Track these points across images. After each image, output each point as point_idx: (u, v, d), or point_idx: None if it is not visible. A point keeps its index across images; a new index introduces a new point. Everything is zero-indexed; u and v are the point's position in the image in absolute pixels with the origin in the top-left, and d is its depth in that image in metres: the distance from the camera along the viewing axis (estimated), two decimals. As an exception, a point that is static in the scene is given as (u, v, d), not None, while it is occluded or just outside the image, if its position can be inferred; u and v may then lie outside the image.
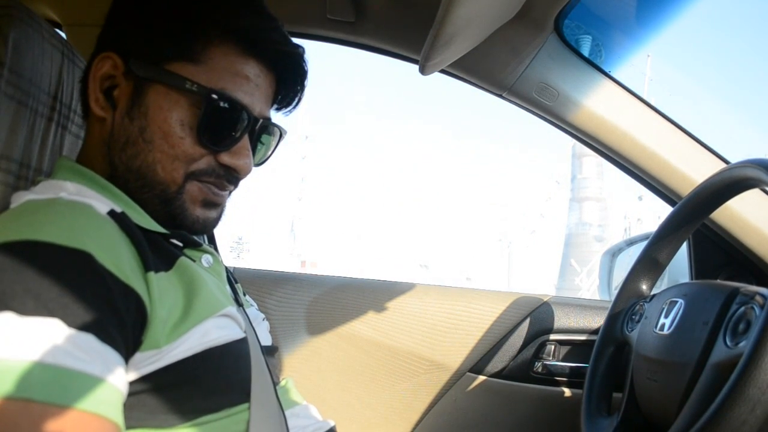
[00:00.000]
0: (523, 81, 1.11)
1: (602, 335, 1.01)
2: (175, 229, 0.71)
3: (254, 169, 0.76)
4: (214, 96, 0.67)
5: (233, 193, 0.77)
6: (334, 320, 1.33)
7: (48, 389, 0.48)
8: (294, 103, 0.80)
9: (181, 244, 0.71)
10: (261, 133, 0.75)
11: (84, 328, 0.51)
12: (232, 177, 0.73)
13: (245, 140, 0.72)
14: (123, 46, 0.69)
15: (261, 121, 0.73)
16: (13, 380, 0.47)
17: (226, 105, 0.68)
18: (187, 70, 0.67)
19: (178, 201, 0.69)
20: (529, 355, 1.28)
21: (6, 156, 0.72)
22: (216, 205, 0.73)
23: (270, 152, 0.80)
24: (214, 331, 0.64)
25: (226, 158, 0.70)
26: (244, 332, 0.71)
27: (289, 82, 0.77)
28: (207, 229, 0.73)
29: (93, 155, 0.72)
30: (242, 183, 0.76)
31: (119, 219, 0.62)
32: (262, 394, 0.69)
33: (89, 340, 0.51)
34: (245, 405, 0.66)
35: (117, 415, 0.52)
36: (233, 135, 0.70)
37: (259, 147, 0.77)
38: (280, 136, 0.80)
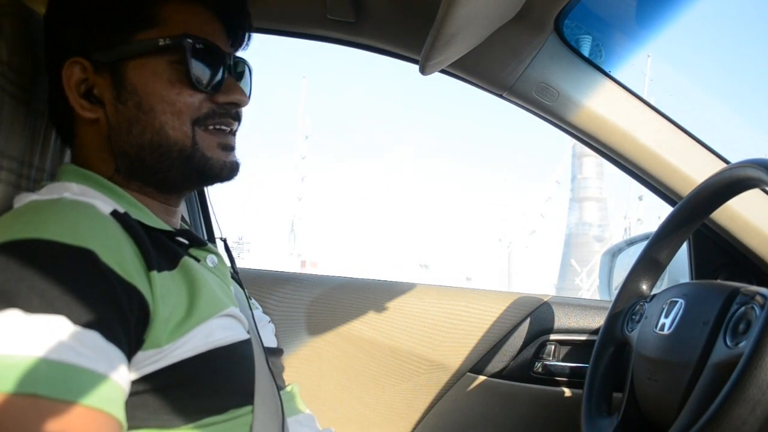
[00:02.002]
0: (524, 81, 1.11)
1: (602, 335, 1.01)
2: (208, 181, 0.75)
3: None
4: (189, 40, 0.69)
5: (237, 138, 0.79)
6: (335, 320, 1.33)
7: (54, 385, 0.48)
8: (245, 41, 0.82)
9: (186, 242, 0.72)
10: (235, 68, 0.77)
11: (89, 325, 0.51)
12: (233, 113, 0.75)
13: (228, 77, 0.74)
14: (82, 47, 0.70)
15: (232, 56, 0.76)
16: (20, 376, 0.47)
17: (201, 45, 0.70)
18: (152, 34, 0.69)
19: (198, 153, 0.71)
20: (529, 355, 1.28)
21: (8, 155, 0.72)
22: (232, 148, 0.76)
23: (249, 89, 0.81)
24: (218, 331, 0.64)
25: (222, 97, 0.73)
26: (248, 333, 0.71)
27: (234, 23, 0.79)
28: (234, 172, 0.76)
29: (92, 158, 0.72)
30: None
31: (122, 219, 0.63)
32: (265, 396, 0.69)
33: (94, 337, 0.52)
34: (249, 407, 0.66)
35: (120, 413, 0.53)
36: (219, 73, 0.72)
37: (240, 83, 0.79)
38: (250, 71, 0.82)
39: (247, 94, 0.80)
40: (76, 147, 0.75)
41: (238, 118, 0.76)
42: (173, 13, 0.71)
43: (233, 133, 0.77)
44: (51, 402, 0.48)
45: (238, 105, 0.75)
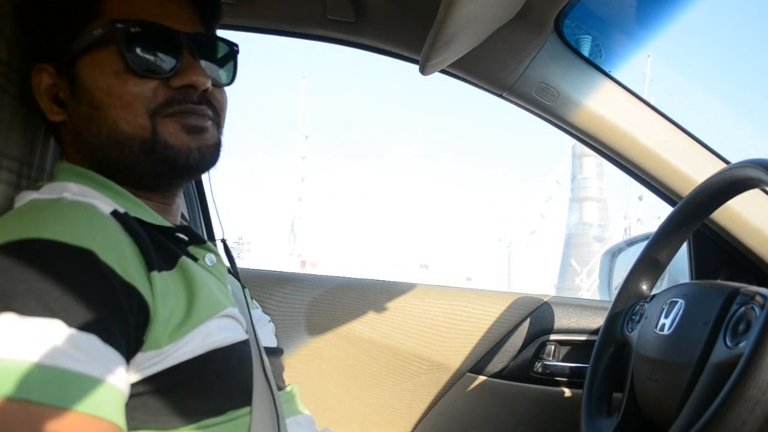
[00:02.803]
0: (524, 81, 1.11)
1: (602, 335, 1.01)
2: (181, 172, 0.70)
3: (227, 90, 0.75)
4: (119, 25, 0.66)
5: (220, 124, 0.74)
6: (335, 320, 1.33)
7: (46, 390, 0.48)
8: (214, 14, 0.77)
9: (186, 238, 0.71)
10: (201, 48, 0.71)
11: (86, 328, 0.51)
12: (196, 97, 0.69)
13: (188, 58, 0.69)
14: (45, 52, 0.70)
15: (193, 35, 0.70)
16: (11, 381, 0.47)
17: (138, 28, 0.67)
18: (93, 26, 0.67)
19: (160, 143, 0.67)
20: (529, 355, 1.28)
21: (8, 154, 0.72)
22: (201, 130, 0.70)
23: (229, 67, 0.77)
24: (217, 332, 0.64)
25: (177, 81, 0.68)
26: (247, 333, 0.71)
27: None
28: (207, 157, 0.70)
29: (73, 158, 0.72)
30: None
31: (122, 219, 0.63)
32: (263, 397, 0.69)
33: (91, 340, 0.51)
34: (247, 408, 0.66)
35: (117, 416, 0.52)
36: (168, 54, 0.68)
37: (210, 64, 0.74)
38: (232, 49, 0.77)
39: (228, 79, 0.75)
40: (61, 145, 0.76)
41: (203, 101, 0.70)
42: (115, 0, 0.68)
43: (208, 116, 0.71)
44: (42, 408, 0.47)
45: (196, 87, 0.69)
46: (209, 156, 0.71)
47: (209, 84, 0.70)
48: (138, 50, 0.66)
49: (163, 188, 0.73)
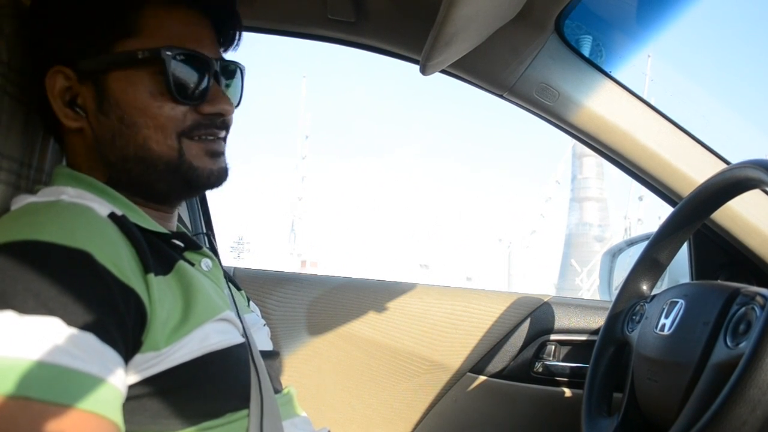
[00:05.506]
0: (524, 81, 1.11)
1: (603, 335, 1.01)
2: (197, 190, 0.75)
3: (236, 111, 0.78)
4: (168, 52, 0.67)
5: (227, 140, 0.78)
6: (335, 320, 1.33)
7: (47, 388, 0.48)
8: (236, 40, 0.81)
9: (182, 245, 0.71)
10: (223, 73, 0.76)
11: (84, 327, 0.51)
12: (219, 122, 0.73)
13: (214, 84, 0.72)
14: (65, 55, 0.69)
15: (218, 61, 0.73)
16: (12, 378, 0.47)
17: (182, 56, 0.68)
18: (131, 44, 0.68)
19: (185, 164, 0.70)
20: (530, 355, 1.28)
21: (7, 155, 0.72)
22: (220, 154, 0.74)
23: (240, 91, 0.81)
24: (214, 335, 0.64)
25: (207, 108, 0.71)
26: (243, 336, 0.71)
27: (222, 20, 0.77)
28: (223, 178, 0.75)
29: (83, 166, 0.72)
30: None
31: (120, 221, 0.63)
32: (260, 400, 0.69)
33: (89, 339, 0.51)
34: (245, 411, 0.66)
35: (116, 415, 0.52)
36: (203, 82, 0.70)
37: (228, 88, 0.78)
38: (241, 72, 0.80)
39: (236, 100, 0.79)
40: (67, 152, 0.75)
41: (224, 127, 0.75)
42: (153, 19, 0.69)
43: (223, 138, 0.75)
44: (43, 405, 0.47)
45: (224, 116, 0.73)
46: (224, 177, 0.75)
47: (233, 112, 0.75)
48: (179, 76, 0.68)
49: (173, 201, 0.77)
